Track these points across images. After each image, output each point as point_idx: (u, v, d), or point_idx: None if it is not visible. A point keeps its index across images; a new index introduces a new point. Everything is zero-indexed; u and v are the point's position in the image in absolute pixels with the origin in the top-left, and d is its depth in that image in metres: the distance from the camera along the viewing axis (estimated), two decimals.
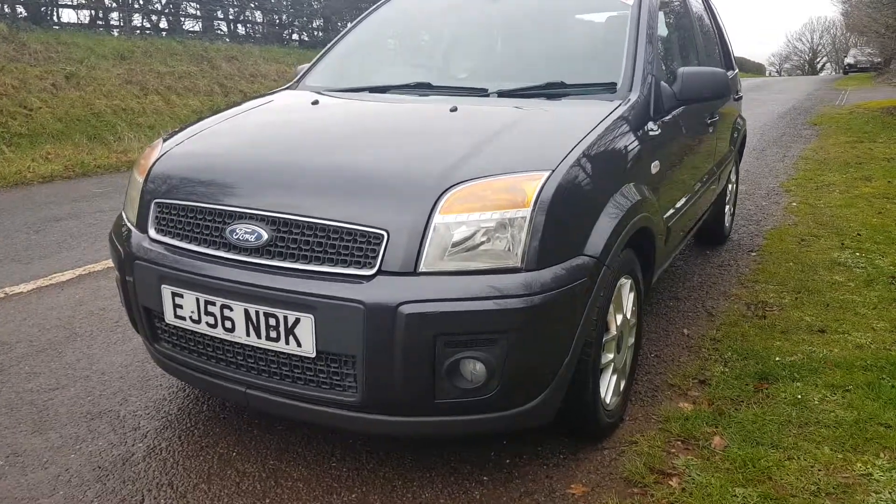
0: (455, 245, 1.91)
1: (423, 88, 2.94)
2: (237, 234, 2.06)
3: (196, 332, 2.16)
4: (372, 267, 1.91)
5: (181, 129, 2.70)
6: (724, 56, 4.69)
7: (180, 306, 2.15)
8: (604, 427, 2.40)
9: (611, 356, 2.39)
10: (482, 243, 1.93)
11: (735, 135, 4.69)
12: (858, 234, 5.07)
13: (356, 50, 3.60)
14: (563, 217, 2.02)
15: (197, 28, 17.79)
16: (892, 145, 9.25)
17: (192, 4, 17.73)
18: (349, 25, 3.81)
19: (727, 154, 4.39)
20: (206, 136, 2.56)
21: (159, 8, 17.05)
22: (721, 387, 2.80)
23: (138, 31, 15.91)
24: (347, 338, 1.90)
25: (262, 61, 16.98)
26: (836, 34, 63.24)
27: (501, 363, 1.91)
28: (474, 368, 1.93)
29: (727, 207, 4.89)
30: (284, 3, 20.59)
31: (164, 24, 16.90)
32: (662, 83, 2.88)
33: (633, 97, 2.65)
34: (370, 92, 3.01)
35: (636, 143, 2.55)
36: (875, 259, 4.51)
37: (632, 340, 2.60)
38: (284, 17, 20.80)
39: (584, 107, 2.61)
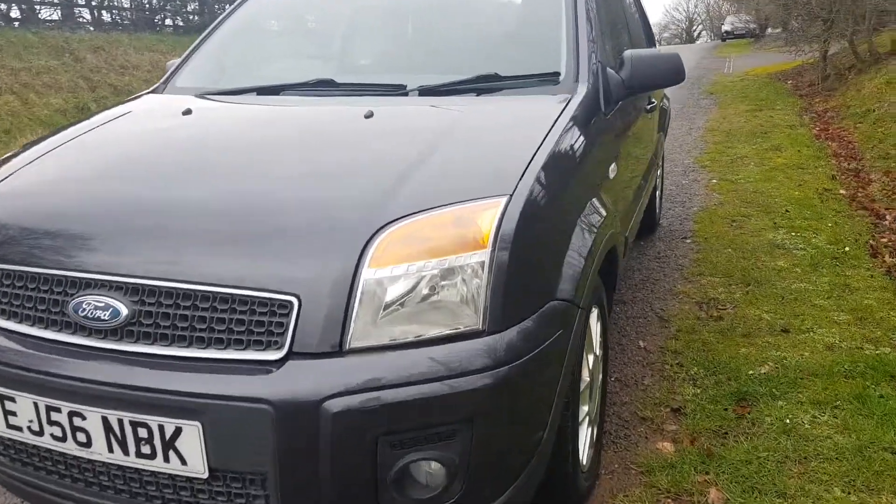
0: (391, 305, 1.41)
1: (325, 87, 2.37)
2: (85, 309, 1.48)
3: (41, 447, 1.56)
4: (279, 348, 1.38)
5: (7, 159, 2.04)
6: (647, 33, 4.35)
7: (13, 413, 1.54)
8: (582, 493, 1.97)
9: (586, 408, 1.95)
10: (428, 299, 1.43)
11: (663, 117, 4.38)
12: (786, 211, 4.90)
13: (238, 39, 2.96)
14: (529, 254, 1.55)
15: (55, 17, 16.11)
16: (790, 112, 9.36)
17: None
18: (228, 8, 3.17)
19: (659, 139, 4.06)
20: (39, 168, 1.91)
21: None
22: (698, 416, 2.43)
23: None
24: (252, 450, 1.37)
25: (132, 51, 15.58)
26: (709, 2, 65.98)
27: (465, 459, 1.43)
28: (430, 470, 1.44)
29: (657, 192, 4.59)
30: None
31: (15, 13, 15.17)
32: (608, 69, 2.45)
33: (582, 89, 2.20)
34: (258, 94, 2.41)
35: (592, 145, 2.11)
36: (811, 238, 4.32)
37: (600, 377, 2.18)
38: (155, 0, 19.20)
39: (528, 104, 2.14)
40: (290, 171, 1.75)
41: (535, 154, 1.73)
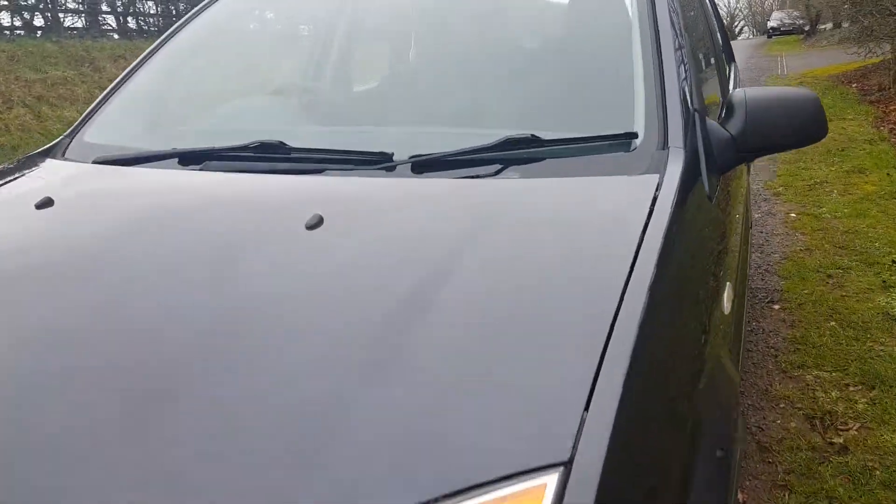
0: None
1: (268, 154, 1.52)
2: None
3: None
4: None
5: None
6: (727, 50, 3.43)
7: None
8: None
9: None
10: None
11: None
12: (894, 263, 3.93)
13: (183, 66, 2.15)
14: None
15: (79, 24, 15.58)
16: (864, 123, 8.29)
17: None
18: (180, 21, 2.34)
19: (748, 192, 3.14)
20: None
21: (33, 2, 14.69)
22: None
23: (7, 33, 13.71)
24: None
25: None
26: None
27: None
28: None
29: None
30: None
31: (39, 20, 14.65)
32: (709, 121, 1.56)
33: (677, 161, 1.34)
34: (181, 163, 1.58)
35: (698, 271, 1.24)
36: None
37: None
38: (182, 5, 18.59)
39: (593, 200, 1.26)
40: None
41: (605, 346, 0.86)
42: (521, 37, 1.75)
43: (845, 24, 16.36)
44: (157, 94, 2.06)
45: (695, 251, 1.25)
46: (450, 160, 1.39)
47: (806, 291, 3.65)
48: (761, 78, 14.03)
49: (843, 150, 6.89)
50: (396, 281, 1.03)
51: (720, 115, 1.65)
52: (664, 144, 1.38)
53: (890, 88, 10.13)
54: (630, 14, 1.68)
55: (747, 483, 2.21)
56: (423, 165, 1.38)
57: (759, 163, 6.76)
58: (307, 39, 2.03)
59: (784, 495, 2.14)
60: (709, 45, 2.45)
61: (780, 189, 5.72)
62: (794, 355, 2.99)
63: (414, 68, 1.89)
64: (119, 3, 16.75)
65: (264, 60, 2.10)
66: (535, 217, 1.20)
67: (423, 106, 1.67)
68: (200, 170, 1.52)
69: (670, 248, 1.11)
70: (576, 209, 1.23)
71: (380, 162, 1.41)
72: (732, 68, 3.40)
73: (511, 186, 1.32)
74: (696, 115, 1.50)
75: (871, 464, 2.26)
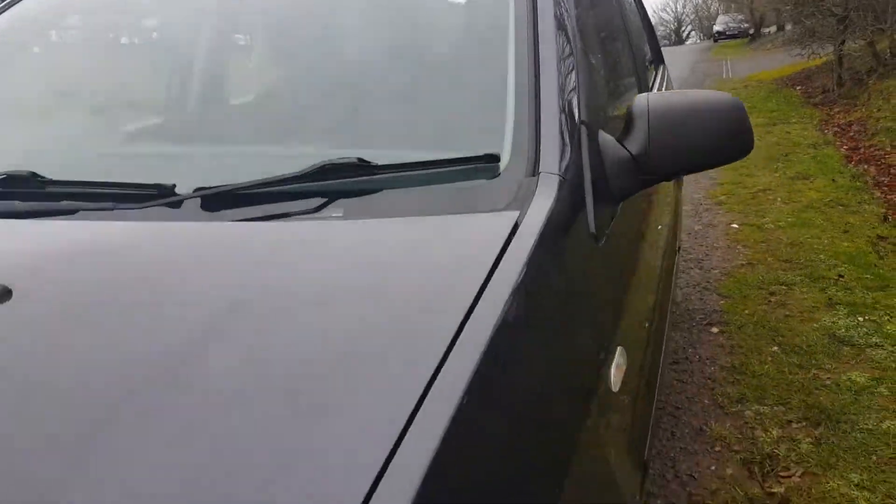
0: None
1: (20, 190, 1.15)
2: None
3: None
4: None
5: None
6: (653, 49, 3.15)
7: None
8: None
9: None
10: None
11: None
12: (840, 277, 3.71)
13: None
14: None
15: None
16: (808, 126, 8.18)
17: None
18: None
19: (678, 200, 2.86)
20: None
21: None
22: None
23: None
24: None
25: None
26: (697, 2, 65.11)
27: None
28: None
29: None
30: None
31: None
32: (602, 135, 1.24)
33: (549, 191, 1.01)
34: None
35: (569, 345, 0.92)
36: (884, 323, 3.13)
37: None
38: None
39: (425, 250, 0.93)
40: None
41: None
42: (370, 39, 1.40)
43: (788, 27, 16.53)
44: None
45: (557, 314, 0.92)
46: (256, 195, 1.04)
47: (747, 312, 3.39)
48: (705, 82, 14.01)
49: (786, 156, 6.73)
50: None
51: (623, 130, 1.33)
52: (534, 170, 1.06)
53: (833, 91, 10.11)
54: (510, 15, 1.35)
55: None
56: (215, 201, 1.03)
57: None
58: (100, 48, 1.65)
59: None
60: (624, 48, 2.15)
61: (723, 198, 5.51)
62: (733, 387, 2.71)
63: (215, 72, 1.52)
64: None
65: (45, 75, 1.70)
66: (330, 279, 0.86)
67: (235, 123, 1.31)
68: None
69: (513, 316, 0.78)
70: (392, 267, 0.89)
71: (161, 197, 1.05)
72: (661, 72, 3.11)
73: (319, 232, 0.97)
74: (584, 130, 1.18)
75: None
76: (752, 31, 28.83)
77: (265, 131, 1.24)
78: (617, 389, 1.04)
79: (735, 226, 4.76)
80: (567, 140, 1.12)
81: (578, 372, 0.94)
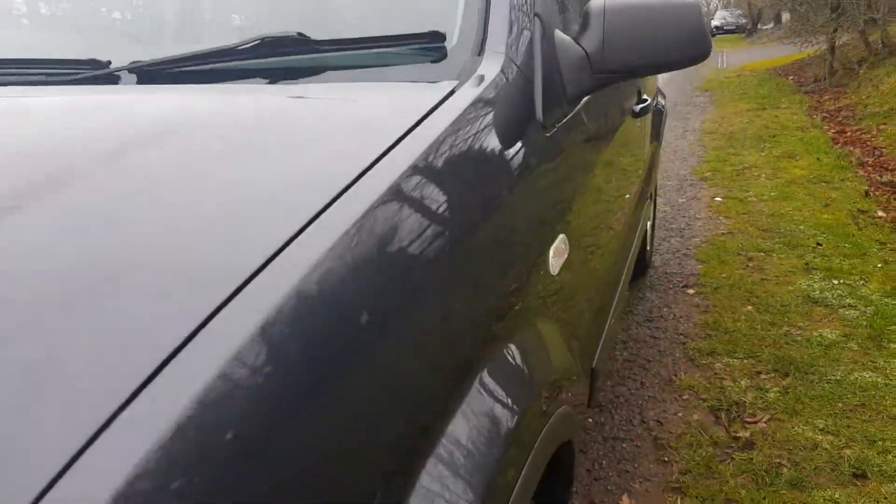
0: None
1: None
2: None
3: None
4: None
5: None
6: None
7: None
8: None
9: None
10: None
11: (658, 122, 3.15)
12: (818, 245, 3.71)
13: None
14: None
15: None
16: (798, 111, 8.19)
17: None
18: None
19: (653, 153, 2.85)
20: None
21: None
22: None
23: None
24: None
25: None
26: None
27: None
28: None
29: (648, 223, 3.37)
30: None
31: None
32: (558, 33, 1.23)
33: (491, 71, 1.00)
34: None
35: (503, 207, 0.90)
36: (859, 287, 3.13)
37: None
38: None
39: (365, 108, 0.91)
40: None
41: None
42: None
43: (785, 16, 16.51)
44: None
45: (490, 182, 0.90)
46: (189, 70, 1.02)
47: (724, 275, 3.39)
48: (700, 70, 13.99)
49: (774, 137, 6.73)
50: None
51: (578, 32, 1.31)
52: (480, 51, 1.04)
53: (825, 79, 10.12)
54: None
55: (636, 486, 1.90)
56: (150, 74, 1.01)
57: (688, 147, 6.58)
58: None
59: (676, 500, 1.84)
60: None
61: (708, 174, 5.50)
62: (704, 342, 2.71)
63: None
64: None
65: None
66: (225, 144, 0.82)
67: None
68: None
69: (429, 169, 0.76)
70: (298, 129, 0.85)
71: (94, 70, 1.03)
72: None
73: (249, 101, 0.95)
74: (538, 22, 1.17)
75: (778, 460, 1.98)
76: (749, 27, 28.84)
77: (209, 10, 1.22)
78: (555, 273, 1.03)
79: (718, 199, 4.76)
80: (517, 26, 1.10)
81: (509, 242, 0.91)
